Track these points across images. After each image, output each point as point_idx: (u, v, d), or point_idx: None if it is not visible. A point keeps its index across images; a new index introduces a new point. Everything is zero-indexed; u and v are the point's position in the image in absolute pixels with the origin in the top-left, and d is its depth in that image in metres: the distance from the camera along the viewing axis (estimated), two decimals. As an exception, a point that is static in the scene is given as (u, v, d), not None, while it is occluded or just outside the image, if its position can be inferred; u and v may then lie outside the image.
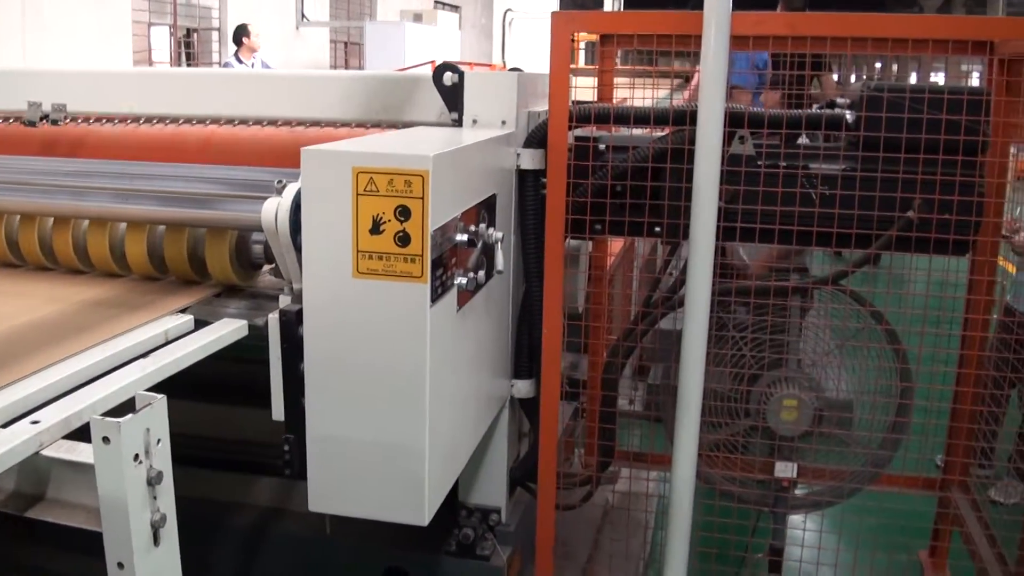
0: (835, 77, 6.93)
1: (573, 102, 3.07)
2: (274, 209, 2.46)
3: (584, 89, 3.41)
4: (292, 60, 17.09)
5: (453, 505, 3.25)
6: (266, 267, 2.84)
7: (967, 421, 3.49)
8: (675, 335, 2.98)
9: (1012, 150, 3.42)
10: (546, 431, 3.19)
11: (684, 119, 2.97)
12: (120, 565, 1.77)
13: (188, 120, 3.43)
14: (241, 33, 12.00)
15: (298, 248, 2.42)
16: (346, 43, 21.06)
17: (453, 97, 3.06)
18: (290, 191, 2.45)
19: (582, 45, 15.03)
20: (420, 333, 2.33)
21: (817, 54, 3.08)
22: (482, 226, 2.64)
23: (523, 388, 3.24)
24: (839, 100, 3.23)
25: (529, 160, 3.05)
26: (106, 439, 1.70)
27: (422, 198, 2.25)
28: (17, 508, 1.89)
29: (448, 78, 3.06)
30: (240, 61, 11.99)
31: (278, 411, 2.53)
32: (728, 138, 2.90)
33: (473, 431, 2.90)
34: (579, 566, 3.77)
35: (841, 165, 2.99)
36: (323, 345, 2.40)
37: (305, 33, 18.27)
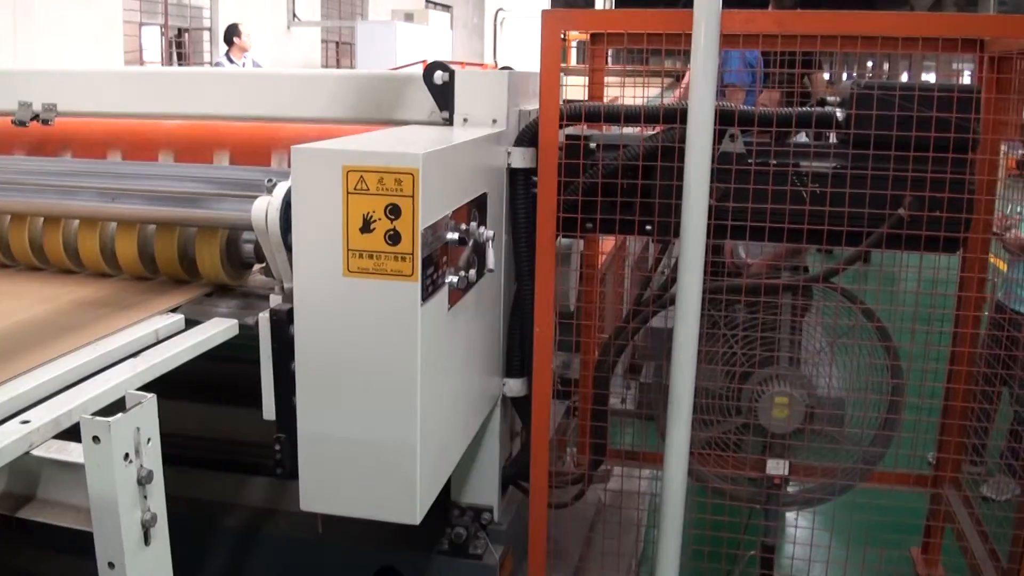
0: (826, 76, 6.93)
1: (564, 101, 3.07)
2: (264, 208, 2.45)
3: (575, 88, 3.42)
4: (283, 60, 17.07)
5: (445, 504, 3.25)
6: (257, 266, 2.84)
7: (959, 418, 3.50)
8: (666, 333, 2.98)
9: (1003, 148, 3.43)
10: (538, 430, 3.20)
11: (675, 117, 2.98)
12: (111, 565, 1.76)
13: (178, 119, 3.42)
14: (232, 33, 12.00)
15: (288, 247, 2.42)
16: (337, 43, 21.03)
17: (444, 96, 3.06)
18: (280, 190, 2.45)
19: (573, 44, 15.04)
20: (411, 331, 2.32)
21: (806, 52, 3.09)
22: (473, 224, 2.63)
23: (515, 387, 3.24)
24: (829, 98, 3.23)
25: (520, 159, 3.05)
26: (96, 438, 1.69)
27: (412, 196, 2.25)
28: (7, 508, 1.89)
29: (439, 77, 3.05)
30: (231, 61, 11.99)
31: (269, 411, 2.53)
32: (719, 136, 2.90)
33: (465, 430, 2.89)
34: (571, 565, 3.77)
35: (832, 163, 3.00)
36: (314, 344, 2.40)
37: (296, 33, 18.24)
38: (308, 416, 2.45)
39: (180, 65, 15.55)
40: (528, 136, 3.05)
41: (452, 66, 3.10)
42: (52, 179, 2.84)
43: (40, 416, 1.87)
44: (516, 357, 3.23)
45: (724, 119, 2.94)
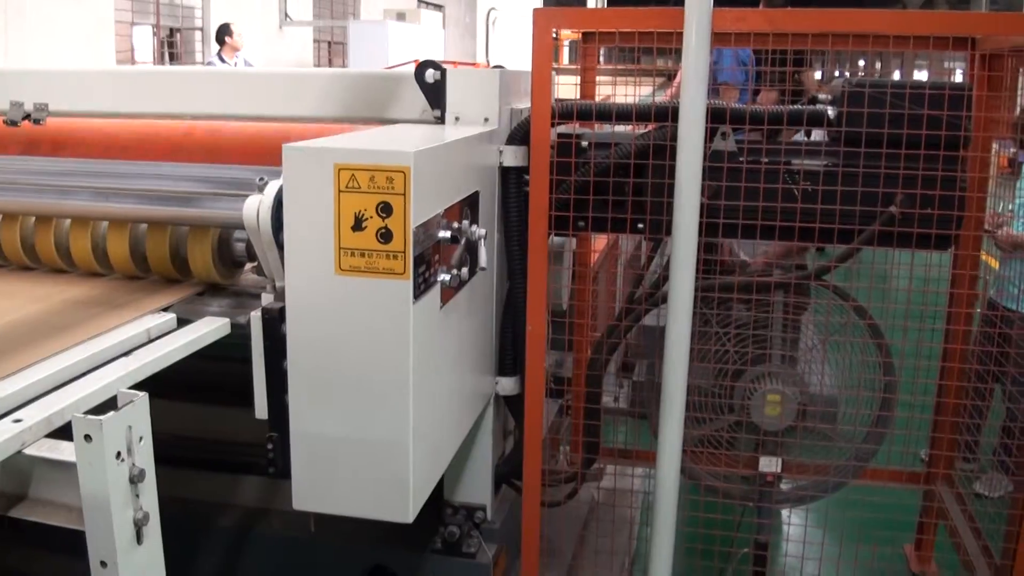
0: (817, 75, 6.94)
1: (556, 99, 3.07)
2: (256, 206, 2.45)
3: (567, 87, 3.42)
4: (275, 60, 17.02)
5: (438, 503, 3.25)
6: (248, 265, 2.83)
7: (951, 415, 3.51)
8: (659, 331, 2.98)
9: (994, 146, 3.44)
10: (531, 428, 3.20)
11: (666, 115, 2.98)
12: (103, 564, 1.76)
13: (170, 118, 3.41)
14: (223, 32, 12.00)
15: (280, 246, 2.41)
16: (329, 43, 21.00)
17: (435, 94, 3.06)
18: (272, 188, 2.45)
19: (566, 44, 15.03)
20: (403, 330, 2.32)
21: (798, 50, 3.09)
22: (465, 223, 2.63)
23: (507, 385, 3.24)
24: (821, 96, 3.24)
25: (512, 157, 3.05)
26: (88, 437, 1.69)
27: (404, 194, 2.25)
28: (-1, 508, 1.89)
29: (430, 75, 3.05)
30: (223, 60, 11.98)
31: (261, 409, 2.52)
32: (710, 134, 2.90)
33: (457, 428, 2.89)
34: (565, 563, 3.77)
35: (823, 161, 3.00)
36: (306, 343, 2.39)
37: (288, 33, 18.20)
38: (300, 415, 2.44)
39: (172, 65, 15.52)
40: (520, 134, 3.05)
41: (444, 65, 3.10)
42: (43, 178, 2.83)
43: (32, 415, 1.86)
44: (509, 355, 3.23)
45: (716, 117, 2.95)
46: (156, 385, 2.09)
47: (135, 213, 2.72)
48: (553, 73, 3.04)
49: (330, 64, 20.69)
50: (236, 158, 3.03)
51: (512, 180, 3.07)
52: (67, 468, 1.76)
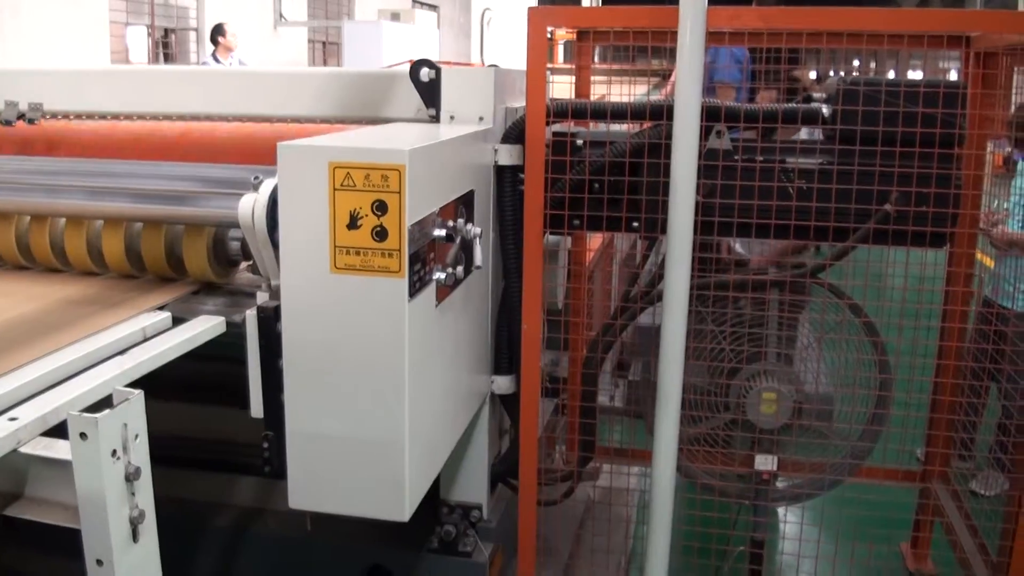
0: (812, 74, 6.94)
1: (550, 98, 3.07)
2: (251, 205, 2.45)
3: (561, 86, 3.42)
4: (270, 60, 17.02)
5: (434, 502, 3.25)
6: (243, 264, 2.83)
7: (947, 413, 3.51)
8: (654, 330, 2.98)
9: (989, 145, 3.44)
10: (527, 427, 3.20)
11: (661, 114, 2.98)
12: (99, 562, 1.76)
13: (165, 118, 3.41)
14: (217, 33, 12.00)
15: (275, 244, 2.41)
16: (324, 43, 21.00)
17: (430, 93, 3.06)
18: (267, 187, 2.44)
19: (560, 44, 15.03)
20: (398, 328, 2.32)
21: (792, 49, 3.09)
22: (460, 221, 2.63)
23: (503, 384, 3.24)
24: (815, 95, 3.24)
25: (507, 156, 3.05)
26: (83, 435, 1.69)
27: (399, 192, 2.25)
28: (-6, 507, 1.89)
29: (425, 74, 3.05)
30: (217, 61, 11.97)
31: (257, 408, 2.52)
32: (705, 132, 2.91)
33: (453, 427, 2.89)
34: (561, 562, 3.77)
35: (818, 159, 3.00)
36: (301, 341, 2.39)
37: (283, 33, 18.20)
38: (296, 414, 2.44)
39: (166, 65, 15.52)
40: (515, 133, 3.05)
41: (439, 64, 3.10)
42: (38, 178, 2.83)
43: (27, 413, 1.86)
44: (504, 354, 3.23)
45: (710, 115, 2.95)
46: (151, 385, 2.09)
47: (130, 212, 2.72)
48: (548, 72, 3.04)
49: (325, 64, 20.68)
50: (231, 157, 3.03)
51: (507, 179, 3.07)
52: (63, 466, 1.76)
